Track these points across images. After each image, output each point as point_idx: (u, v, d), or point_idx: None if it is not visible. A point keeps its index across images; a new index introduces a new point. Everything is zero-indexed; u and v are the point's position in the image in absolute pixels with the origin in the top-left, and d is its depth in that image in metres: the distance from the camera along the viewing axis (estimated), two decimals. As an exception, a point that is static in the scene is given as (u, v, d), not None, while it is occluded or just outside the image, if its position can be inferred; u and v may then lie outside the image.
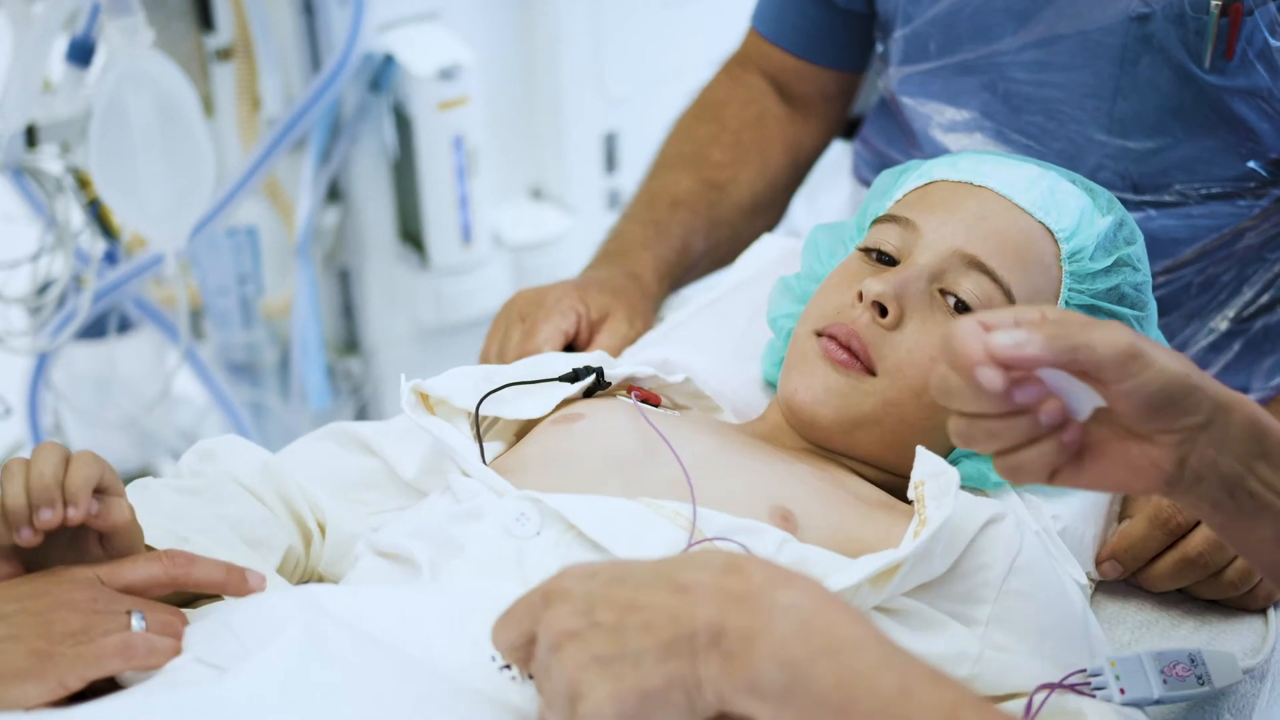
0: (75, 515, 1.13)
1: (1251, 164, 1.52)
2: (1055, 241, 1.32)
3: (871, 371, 1.29)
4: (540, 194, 2.68)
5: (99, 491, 1.15)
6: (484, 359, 1.59)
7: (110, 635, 1.10)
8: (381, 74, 2.36)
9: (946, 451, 1.31)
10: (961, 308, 1.28)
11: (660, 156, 1.83)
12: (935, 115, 1.65)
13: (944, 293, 1.30)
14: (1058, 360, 0.99)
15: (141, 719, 1.01)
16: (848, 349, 1.29)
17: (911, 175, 1.40)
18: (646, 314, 1.65)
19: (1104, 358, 0.99)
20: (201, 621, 1.13)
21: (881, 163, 1.75)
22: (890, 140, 1.74)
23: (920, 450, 1.24)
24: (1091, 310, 1.32)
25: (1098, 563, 1.35)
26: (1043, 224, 1.32)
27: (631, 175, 2.72)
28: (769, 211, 1.83)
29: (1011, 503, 1.32)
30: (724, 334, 1.55)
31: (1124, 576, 1.34)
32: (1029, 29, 1.54)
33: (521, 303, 1.61)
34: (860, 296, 1.30)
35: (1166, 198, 1.54)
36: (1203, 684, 1.22)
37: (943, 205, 1.33)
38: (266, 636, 1.06)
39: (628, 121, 2.64)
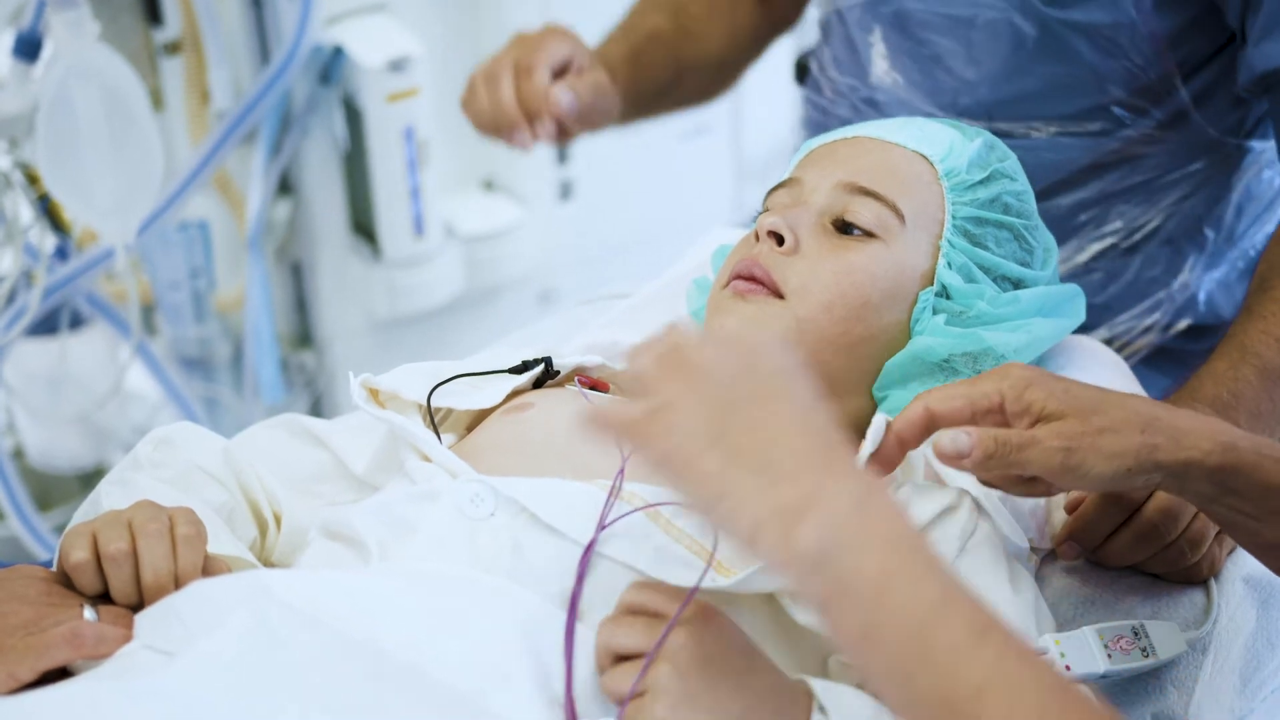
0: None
1: (1096, 101, 1.60)
2: (931, 165, 1.39)
3: (779, 294, 1.34)
4: (492, 185, 2.68)
5: None
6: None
7: (60, 625, 1.10)
8: (331, 66, 2.36)
9: (873, 376, 1.35)
10: (849, 229, 1.35)
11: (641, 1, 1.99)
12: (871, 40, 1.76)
13: (837, 224, 1.36)
14: (992, 474, 1.18)
15: (87, 704, 1.01)
16: (752, 278, 1.34)
17: (794, 156, 1.49)
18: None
19: (1040, 472, 1.15)
20: (151, 609, 1.13)
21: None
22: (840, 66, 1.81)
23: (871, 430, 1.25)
24: (978, 222, 1.39)
25: (1055, 545, 1.36)
26: (917, 152, 1.39)
27: (583, 166, 2.73)
28: (727, 75, 2.01)
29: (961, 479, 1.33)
30: (673, 317, 1.57)
31: (1083, 556, 1.36)
32: None
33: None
34: (756, 237, 1.37)
35: (1020, 129, 1.63)
36: (1148, 656, 1.23)
37: (821, 158, 1.42)
38: (213, 622, 1.06)
39: (578, 112, 2.64)
